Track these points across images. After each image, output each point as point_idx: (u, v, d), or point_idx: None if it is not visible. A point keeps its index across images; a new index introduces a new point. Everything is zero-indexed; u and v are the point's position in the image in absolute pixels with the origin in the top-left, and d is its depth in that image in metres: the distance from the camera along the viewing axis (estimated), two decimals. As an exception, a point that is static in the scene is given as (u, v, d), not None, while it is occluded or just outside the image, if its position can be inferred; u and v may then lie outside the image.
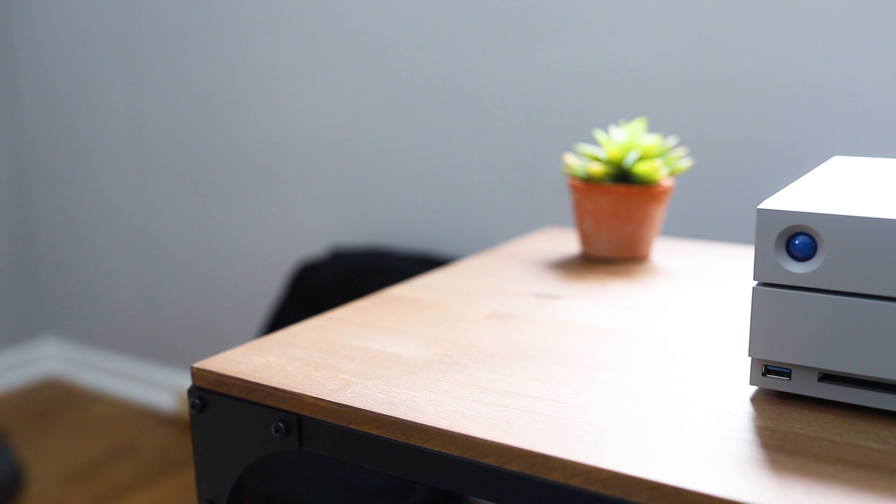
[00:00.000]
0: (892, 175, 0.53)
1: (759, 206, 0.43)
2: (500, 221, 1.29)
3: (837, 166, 0.57)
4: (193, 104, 1.60)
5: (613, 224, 0.75)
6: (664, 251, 0.80)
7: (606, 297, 0.65)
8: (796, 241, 0.43)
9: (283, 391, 0.48)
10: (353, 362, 0.52)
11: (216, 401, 0.51)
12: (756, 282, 0.45)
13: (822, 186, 0.49)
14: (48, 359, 1.97)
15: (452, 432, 0.42)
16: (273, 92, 1.49)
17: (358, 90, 1.39)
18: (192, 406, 0.52)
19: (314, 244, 1.51)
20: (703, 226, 1.12)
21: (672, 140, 1.11)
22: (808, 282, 0.43)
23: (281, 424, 0.48)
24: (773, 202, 0.44)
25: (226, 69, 1.54)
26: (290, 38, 1.45)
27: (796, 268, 0.43)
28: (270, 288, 1.58)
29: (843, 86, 1.01)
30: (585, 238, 0.78)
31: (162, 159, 1.67)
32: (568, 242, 0.84)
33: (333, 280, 1.35)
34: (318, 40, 1.42)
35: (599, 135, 0.79)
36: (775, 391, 0.47)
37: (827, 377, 0.44)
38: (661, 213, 0.77)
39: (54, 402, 1.84)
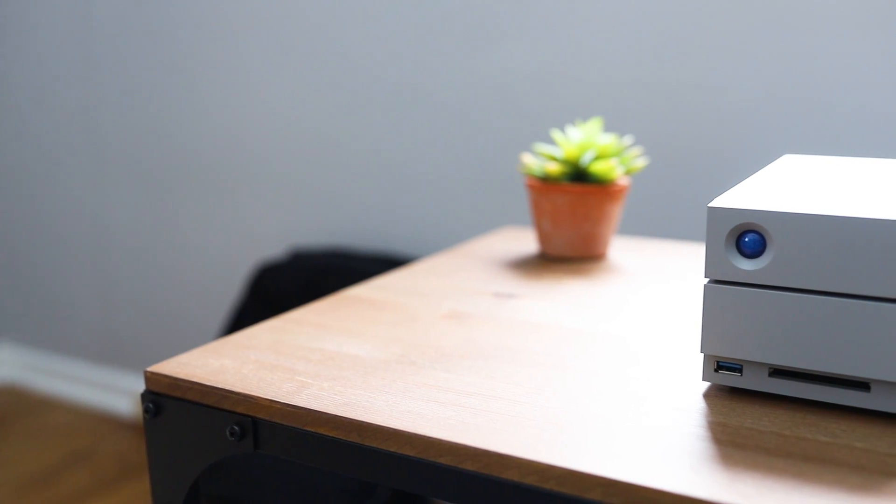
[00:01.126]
0: (840, 173, 0.54)
1: (710, 205, 0.44)
2: (460, 221, 1.29)
3: (787, 164, 0.58)
4: (151, 103, 1.58)
5: (571, 223, 0.76)
6: (621, 250, 0.81)
7: (564, 295, 0.66)
8: (746, 239, 0.44)
9: (238, 394, 0.48)
10: (310, 364, 0.52)
11: (170, 405, 0.50)
12: (707, 279, 0.45)
13: (771, 184, 0.50)
14: (3, 365, 1.93)
15: (408, 433, 0.42)
16: (233, 91, 1.48)
17: (318, 90, 1.39)
18: (146, 410, 0.51)
19: (274, 245, 1.50)
20: (659, 224, 1.14)
21: (628, 139, 1.12)
22: (757, 278, 0.44)
23: (236, 427, 0.48)
24: (723, 200, 0.45)
25: (184, 67, 1.52)
26: (251, 37, 1.44)
27: (746, 265, 0.44)
28: (230, 290, 1.57)
29: (796, 86, 1.02)
30: (543, 237, 0.78)
31: (119, 159, 1.65)
32: (526, 242, 0.84)
33: (294, 281, 1.35)
34: (278, 39, 1.41)
35: (556, 134, 0.79)
36: (727, 387, 0.47)
37: (777, 372, 0.45)
38: (617, 212, 0.78)
39: (10, 408, 1.81)
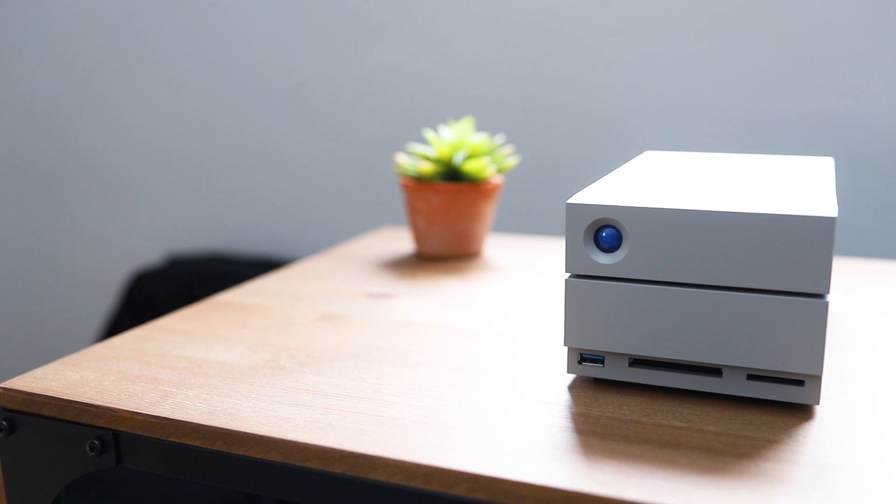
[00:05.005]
0: (696, 168, 0.56)
1: (568, 201, 0.45)
2: (342, 222, 1.29)
3: (647, 160, 0.60)
4: (10, 100, 1.50)
5: (445, 222, 0.77)
6: (495, 247, 0.82)
7: (438, 294, 0.66)
8: (603, 234, 0.45)
9: (98, 407, 0.46)
10: (175, 373, 0.50)
11: (26, 421, 0.48)
12: (568, 274, 0.46)
13: (629, 180, 0.51)
14: None
15: (274, 438, 0.42)
16: (101, 86, 1.42)
17: (193, 88, 1.35)
18: (0, 429, 0.49)
19: (149, 251, 1.45)
20: (532, 221, 1.16)
21: (499, 138, 1.14)
22: (615, 272, 0.45)
23: (96, 442, 0.46)
24: (581, 196, 0.46)
25: (49, 64, 1.46)
26: (121, 32, 1.39)
27: (604, 259, 0.45)
28: (103, 299, 1.51)
29: (662, 84, 1.06)
30: (418, 236, 0.78)
31: (-21, 167, 1.57)
32: (402, 241, 0.84)
33: (171, 289, 1.31)
34: (150, 35, 1.36)
35: (429, 134, 0.80)
36: (591, 378, 0.49)
37: (637, 362, 0.47)
38: (491, 210, 0.79)
39: None
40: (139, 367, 0.51)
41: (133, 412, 0.45)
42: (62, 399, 0.47)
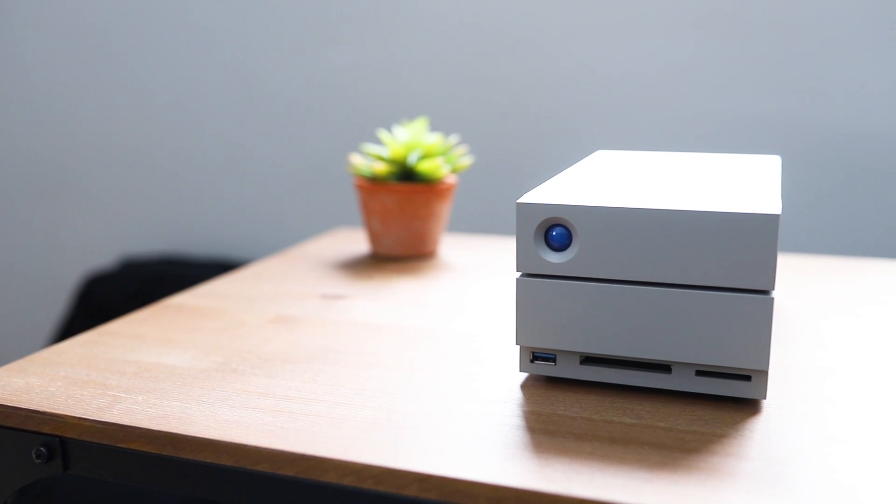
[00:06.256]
0: (646, 167, 0.56)
1: (518, 201, 0.45)
2: (297, 223, 1.28)
3: (598, 159, 0.60)
4: (-41, 109, 1.47)
5: (399, 222, 0.76)
6: (450, 247, 0.82)
7: (393, 294, 0.66)
8: (553, 233, 0.45)
9: (44, 413, 0.45)
10: (124, 377, 0.50)
11: (-30, 429, 0.47)
12: (519, 273, 0.47)
13: (580, 179, 0.52)
14: None
15: (224, 442, 0.41)
16: (51, 84, 1.40)
17: (145, 87, 1.33)
18: (-57, 437, 0.48)
19: (102, 253, 1.43)
20: (487, 220, 1.16)
21: (454, 138, 1.14)
22: (565, 271, 0.45)
23: (43, 449, 0.45)
24: (531, 196, 0.46)
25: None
26: (73, 29, 1.36)
27: (554, 258, 0.45)
28: (55, 304, 1.49)
29: (617, 84, 1.07)
30: (373, 237, 0.78)
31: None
32: (357, 242, 0.84)
33: (125, 292, 1.29)
34: (101, 32, 1.34)
35: (383, 134, 0.79)
36: (543, 376, 0.49)
37: (588, 360, 0.47)
38: (445, 210, 0.79)
39: None
40: (87, 372, 0.51)
41: (80, 418, 0.44)
42: (6, 406, 0.46)
